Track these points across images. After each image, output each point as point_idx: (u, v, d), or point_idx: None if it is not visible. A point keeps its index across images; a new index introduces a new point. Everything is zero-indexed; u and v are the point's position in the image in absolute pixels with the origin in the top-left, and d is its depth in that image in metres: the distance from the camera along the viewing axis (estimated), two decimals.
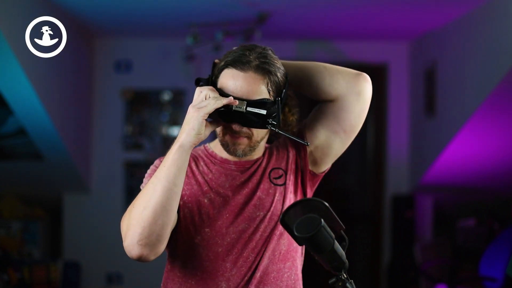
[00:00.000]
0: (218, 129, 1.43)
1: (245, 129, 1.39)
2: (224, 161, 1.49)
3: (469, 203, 4.77)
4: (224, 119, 1.38)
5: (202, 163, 1.50)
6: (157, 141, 4.57)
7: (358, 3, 3.58)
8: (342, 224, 1.16)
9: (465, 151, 3.98)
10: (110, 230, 4.39)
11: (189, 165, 1.48)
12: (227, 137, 1.41)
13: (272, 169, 1.49)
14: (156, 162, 1.49)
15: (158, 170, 1.34)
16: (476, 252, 4.07)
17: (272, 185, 1.47)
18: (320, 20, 3.97)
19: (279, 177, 1.48)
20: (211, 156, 1.51)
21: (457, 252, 4.46)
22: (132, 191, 4.50)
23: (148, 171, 1.47)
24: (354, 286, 1.16)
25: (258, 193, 1.46)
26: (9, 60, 2.89)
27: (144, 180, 1.46)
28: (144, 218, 1.29)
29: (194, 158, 1.51)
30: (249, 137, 1.41)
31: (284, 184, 1.48)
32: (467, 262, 4.24)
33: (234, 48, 1.43)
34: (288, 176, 1.49)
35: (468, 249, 4.42)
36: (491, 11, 3.37)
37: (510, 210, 4.43)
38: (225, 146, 1.43)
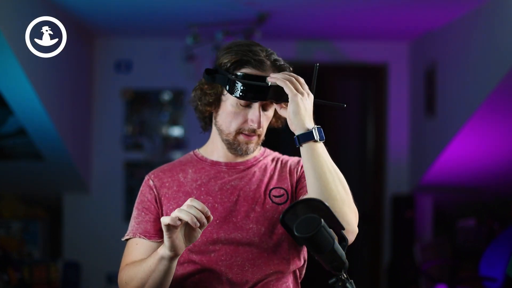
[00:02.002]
0: (228, 130, 1.43)
1: (260, 129, 1.43)
2: (214, 163, 1.50)
3: (469, 203, 4.77)
4: (258, 97, 1.39)
5: (190, 170, 1.50)
6: (157, 141, 4.57)
7: (358, 3, 3.58)
8: (342, 224, 1.16)
9: (465, 151, 3.98)
10: (110, 230, 4.40)
11: (176, 179, 1.48)
12: (241, 137, 1.43)
13: (274, 188, 1.48)
14: (143, 188, 1.49)
15: (146, 263, 1.34)
16: (476, 252, 4.07)
17: (271, 202, 1.46)
18: (320, 20, 3.97)
19: (280, 196, 1.47)
20: (201, 160, 1.52)
21: (457, 252, 4.46)
22: (132, 191, 4.50)
23: (137, 200, 1.49)
24: (354, 286, 1.16)
25: (253, 205, 1.44)
26: (9, 60, 2.89)
27: (134, 210, 1.48)
28: None
29: (182, 168, 1.51)
30: (259, 135, 1.46)
31: (286, 202, 1.46)
32: (467, 262, 4.24)
33: (230, 44, 1.45)
34: (289, 197, 1.48)
35: (468, 249, 4.42)
36: (491, 11, 3.38)
37: (510, 210, 4.43)
38: (235, 145, 1.44)
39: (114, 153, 4.53)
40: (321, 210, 1.14)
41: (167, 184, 1.48)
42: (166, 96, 4.56)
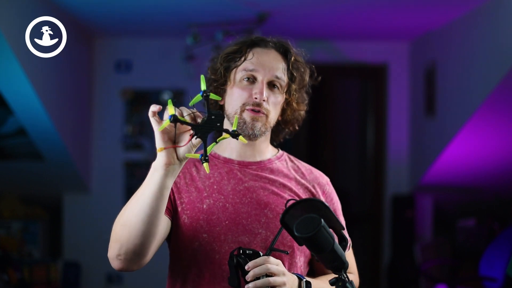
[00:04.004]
0: (234, 109, 1.42)
1: (265, 104, 1.41)
2: (227, 160, 1.47)
3: (469, 203, 4.77)
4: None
5: (203, 167, 1.46)
6: None
7: (358, 3, 3.58)
8: (342, 224, 1.17)
9: (465, 151, 3.98)
10: (110, 230, 4.39)
11: (189, 171, 1.45)
12: (246, 113, 1.41)
13: (291, 199, 1.42)
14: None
15: (139, 188, 1.30)
16: (476, 252, 4.06)
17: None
18: (320, 20, 3.97)
19: None
20: (214, 157, 1.48)
21: (457, 252, 4.46)
22: (132, 191, 4.47)
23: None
24: (354, 286, 1.16)
25: (266, 211, 1.41)
26: (9, 60, 2.89)
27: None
28: (122, 236, 1.26)
29: (195, 163, 1.47)
30: (267, 115, 1.42)
31: None
32: (467, 262, 4.24)
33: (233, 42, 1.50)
34: None
35: (468, 249, 4.41)
36: (491, 11, 3.37)
37: (510, 210, 4.43)
38: (240, 125, 1.41)
39: (114, 153, 4.53)
40: (321, 210, 1.14)
41: (180, 174, 1.44)
42: (166, 96, 4.55)
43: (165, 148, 1.19)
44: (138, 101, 4.55)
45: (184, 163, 1.24)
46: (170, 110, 1.15)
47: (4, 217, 4.36)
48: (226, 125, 1.45)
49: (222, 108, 1.49)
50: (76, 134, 4.23)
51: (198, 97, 1.18)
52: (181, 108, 1.20)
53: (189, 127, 1.19)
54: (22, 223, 4.34)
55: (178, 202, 1.41)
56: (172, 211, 1.41)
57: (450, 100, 3.97)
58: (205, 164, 1.17)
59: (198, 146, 1.21)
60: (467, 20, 3.69)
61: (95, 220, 4.50)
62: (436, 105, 4.16)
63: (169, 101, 1.16)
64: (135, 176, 4.53)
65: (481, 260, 3.63)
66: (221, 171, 1.45)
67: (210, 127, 1.18)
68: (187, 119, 1.18)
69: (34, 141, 3.76)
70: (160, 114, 1.22)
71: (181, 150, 1.21)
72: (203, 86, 1.18)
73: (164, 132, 1.20)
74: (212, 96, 1.20)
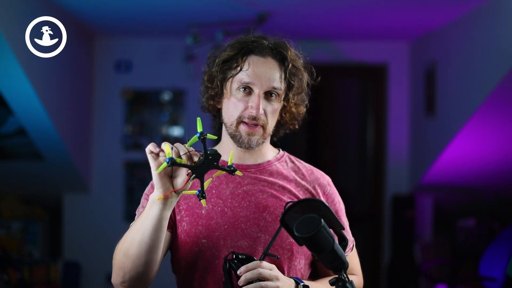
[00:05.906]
0: (230, 120, 1.40)
1: (263, 116, 1.38)
2: (225, 164, 1.43)
3: (469, 203, 4.77)
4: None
5: None
6: (157, 141, 4.55)
7: (358, 3, 3.58)
8: (341, 224, 1.16)
9: (465, 151, 3.98)
10: (110, 230, 4.40)
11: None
12: (242, 127, 1.39)
13: (290, 202, 1.41)
14: (147, 189, 1.45)
15: (138, 219, 1.31)
16: (476, 252, 4.06)
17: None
18: (320, 20, 3.97)
19: None
20: None
21: (457, 252, 4.46)
22: (132, 191, 4.50)
23: (146, 192, 1.45)
24: (354, 286, 1.16)
25: (265, 214, 1.39)
26: (9, 60, 2.89)
27: (142, 200, 1.44)
28: (125, 265, 1.29)
29: None
30: (264, 127, 1.39)
31: None
32: (467, 262, 4.24)
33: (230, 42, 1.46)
34: None
35: (468, 249, 4.42)
36: (491, 11, 3.38)
37: (510, 210, 4.43)
38: (237, 137, 1.40)
39: (114, 153, 4.53)
40: (321, 210, 1.14)
41: None
42: (166, 96, 4.55)
43: (164, 196, 1.21)
44: (138, 101, 4.56)
45: (181, 194, 1.26)
46: (167, 152, 1.17)
47: (4, 217, 4.36)
48: (224, 134, 1.46)
49: (219, 112, 1.47)
50: (76, 134, 4.23)
51: (195, 138, 1.20)
52: (177, 145, 1.21)
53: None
54: (22, 223, 4.34)
55: (177, 210, 1.41)
56: (172, 223, 1.40)
57: (450, 100, 3.97)
58: (203, 201, 1.19)
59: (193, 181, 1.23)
60: (467, 20, 3.69)
61: (95, 220, 4.50)
62: (436, 105, 4.16)
63: (166, 144, 1.19)
64: (135, 176, 4.53)
65: (481, 260, 3.63)
66: (219, 175, 1.43)
67: (207, 166, 1.19)
68: (184, 158, 1.19)
69: (34, 141, 3.76)
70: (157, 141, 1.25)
71: (178, 184, 1.22)
72: (199, 128, 1.19)
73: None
74: (209, 136, 1.20)
